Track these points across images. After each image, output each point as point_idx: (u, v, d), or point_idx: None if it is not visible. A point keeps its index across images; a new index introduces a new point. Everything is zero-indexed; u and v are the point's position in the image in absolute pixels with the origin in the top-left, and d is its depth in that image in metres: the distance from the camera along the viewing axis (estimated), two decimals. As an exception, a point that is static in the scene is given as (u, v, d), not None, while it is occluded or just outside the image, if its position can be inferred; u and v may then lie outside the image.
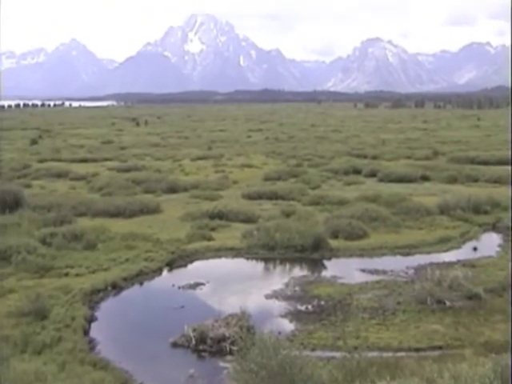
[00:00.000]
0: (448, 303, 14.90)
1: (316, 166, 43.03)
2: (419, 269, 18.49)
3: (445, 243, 21.65)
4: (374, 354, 11.71)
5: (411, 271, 18.46)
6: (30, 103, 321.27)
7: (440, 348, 12.53)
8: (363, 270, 18.68)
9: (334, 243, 21.09)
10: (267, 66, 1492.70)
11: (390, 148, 56.38)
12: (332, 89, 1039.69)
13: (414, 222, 24.59)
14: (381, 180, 37.09)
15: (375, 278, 17.79)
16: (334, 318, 14.10)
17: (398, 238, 22.02)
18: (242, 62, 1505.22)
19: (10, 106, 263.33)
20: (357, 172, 40.10)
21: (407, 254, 20.54)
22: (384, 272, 18.36)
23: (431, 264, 18.74)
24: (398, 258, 20.30)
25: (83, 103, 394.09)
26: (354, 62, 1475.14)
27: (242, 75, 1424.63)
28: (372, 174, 38.90)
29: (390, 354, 11.95)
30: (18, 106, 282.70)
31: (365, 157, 48.81)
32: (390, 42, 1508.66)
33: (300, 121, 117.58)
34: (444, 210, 26.14)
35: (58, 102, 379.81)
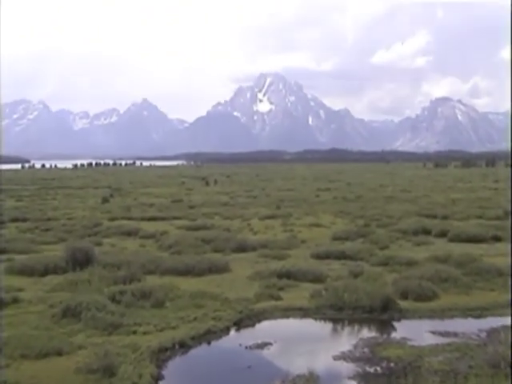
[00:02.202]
0: (523, 368, 14.21)
1: (384, 226, 42.22)
2: (492, 332, 17.79)
3: (518, 306, 20.78)
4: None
5: (483, 334, 17.78)
6: (102, 162, 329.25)
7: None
8: (433, 332, 18.12)
9: (403, 304, 20.63)
10: (335, 125, 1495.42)
11: (460, 208, 55.18)
12: (400, 148, 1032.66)
13: (485, 283, 23.64)
14: (451, 240, 36.06)
15: (446, 340, 17.21)
16: (404, 381, 13.58)
17: (470, 300, 21.29)
18: (310, 122, 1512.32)
19: (82, 165, 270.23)
20: (426, 232, 39.16)
21: (479, 317, 19.83)
22: (455, 334, 17.78)
23: (504, 327, 17.88)
24: (470, 320, 19.62)
25: (154, 162, 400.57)
26: (423, 121, 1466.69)
27: (311, 135, 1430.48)
28: (442, 234, 37.84)
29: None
30: (90, 164, 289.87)
31: (434, 217, 47.68)
32: (459, 101, 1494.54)
33: (368, 180, 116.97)
34: (517, 271, 25.09)
35: (129, 161, 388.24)
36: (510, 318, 18.60)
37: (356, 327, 19.28)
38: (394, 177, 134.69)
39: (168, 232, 40.36)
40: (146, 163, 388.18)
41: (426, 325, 19.32)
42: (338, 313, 20.44)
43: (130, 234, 40.41)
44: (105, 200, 66.18)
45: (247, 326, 19.38)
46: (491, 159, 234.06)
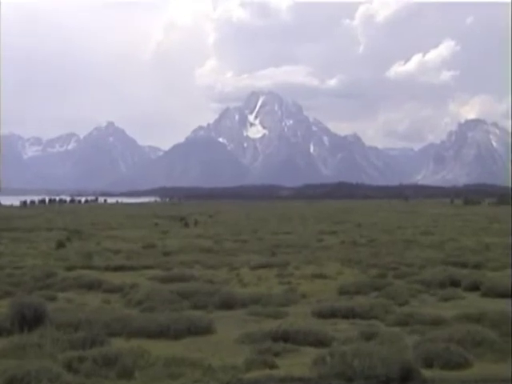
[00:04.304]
0: None
1: (403, 277, 42.02)
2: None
3: None
4: None
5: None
6: (58, 198, 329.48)
7: None
8: (466, 410, 17.79)
9: (427, 373, 20.19)
10: (343, 154, 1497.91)
11: (495, 254, 54.73)
12: (422, 182, 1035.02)
13: (527, 347, 23.25)
14: (485, 294, 35.42)
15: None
16: None
17: (509, 368, 21.05)
18: (312, 150, 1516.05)
19: (33, 202, 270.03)
20: (454, 284, 38.78)
21: (520, 389, 19.57)
22: (492, 412, 17.46)
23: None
24: (510, 393, 19.32)
25: (121, 199, 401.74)
26: (450, 148, 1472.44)
27: (313, 166, 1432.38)
28: (474, 287, 37.29)
29: None
30: (43, 201, 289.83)
31: (464, 265, 47.37)
32: (494, 124, 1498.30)
33: (383, 221, 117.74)
34: None
35: (90, 198, 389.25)
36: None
37: (369, 402, 18.90)
38: (414, 216, 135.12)
39: (138, 284, 39.72)
40: (111, 200, 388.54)
41: (456, 399, 19.18)
42: (347, 383, 20.15)
43: (91, 286, 39.77)
44: (60, 245, 65.73)
45: (235, 400, 19.13)
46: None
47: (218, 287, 38.21)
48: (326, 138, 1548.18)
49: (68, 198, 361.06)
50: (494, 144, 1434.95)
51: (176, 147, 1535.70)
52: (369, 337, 24.57)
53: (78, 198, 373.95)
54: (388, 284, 39.46)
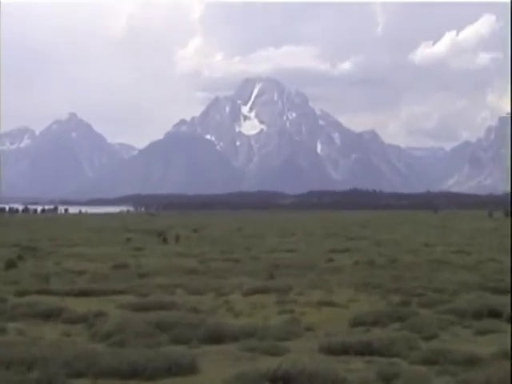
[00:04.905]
0: None
1: (431, 306, 41.74)
2: None
3: None
4: None
5: None
6: (7, 207, 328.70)
7: None
8: None
9: (459, 423, 20.48)
10: (357, 155, 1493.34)
11: (544, 278, 54.41)
12: (455, 189, 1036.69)
13: None
14: None
15: None
16: None
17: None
18: (319, 150, 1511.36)
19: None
20: (494, 315, 38.19)
21: None
22: None
23: None
24: None
25: (85, 209, 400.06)
26: (488, 148, 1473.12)
27: (320, 169, 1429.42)
28: (517, 318, 37.30)
29: None
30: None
31: (505, 292, 46.15)
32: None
33: (406, 237, 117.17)
34: None
35: (48, 207, 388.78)
36: None
37: None
38: (444, 231, 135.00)
39: (106, 313, 39.02)
40: (73, 209, 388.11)
41: None
42: None
43: (48, 315, 39.12)
44: (10, 265, 64.93)
45: None
46: None
47: (203, 317, 37.66)
48: (336, 135, 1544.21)
49: (20, 207, 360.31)
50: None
51: (153, 145, 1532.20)
52: (389, 378, 24.41)
53: (32, 207, 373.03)
54: (412, 313, 38.86)
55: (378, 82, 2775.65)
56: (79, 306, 41.84)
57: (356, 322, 37.05)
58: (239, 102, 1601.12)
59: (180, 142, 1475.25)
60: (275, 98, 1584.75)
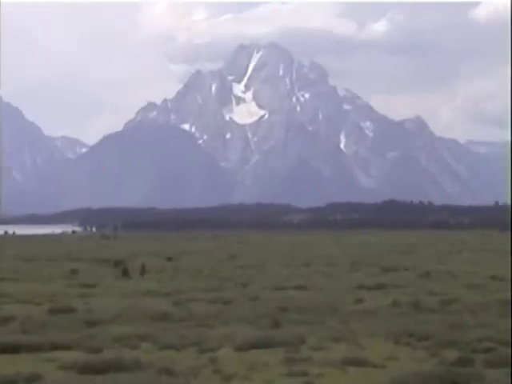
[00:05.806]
0: None
1: (502, 365, 35.65)
2: None
3: None
4: None
5: None
6: None
7: None
8: None
9: None
10: (396, 153, 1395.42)
11: None
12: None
13: None
14: None
15: None
16: None
17: None
18: (342, 145, 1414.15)
19: None
20: None
21: None
22: None
23: None
24: None
25: (12, 228, 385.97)
26: None
27: (345, 173, 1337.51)
28: None
29: None
30: None
31: None
32: None
33: (466, 266, 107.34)
34: None
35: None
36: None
37: None
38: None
39: (42, 377, 34.39)
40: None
41: None
42: None
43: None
44: None
45: None
46: None
47: (180, 382, 32.80)
48: (367, 125, 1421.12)
49: None
50: None
51: (109, 140, 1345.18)
52: None
53: None
54: (476, 376, 33.32)
55: (425, 49, 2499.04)
56: (5, 366, 35.55)
57: (395, 390, 34.99)
58: (230, 77, 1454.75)
59: (147, 134, 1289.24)
60: (280, 72, 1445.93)
